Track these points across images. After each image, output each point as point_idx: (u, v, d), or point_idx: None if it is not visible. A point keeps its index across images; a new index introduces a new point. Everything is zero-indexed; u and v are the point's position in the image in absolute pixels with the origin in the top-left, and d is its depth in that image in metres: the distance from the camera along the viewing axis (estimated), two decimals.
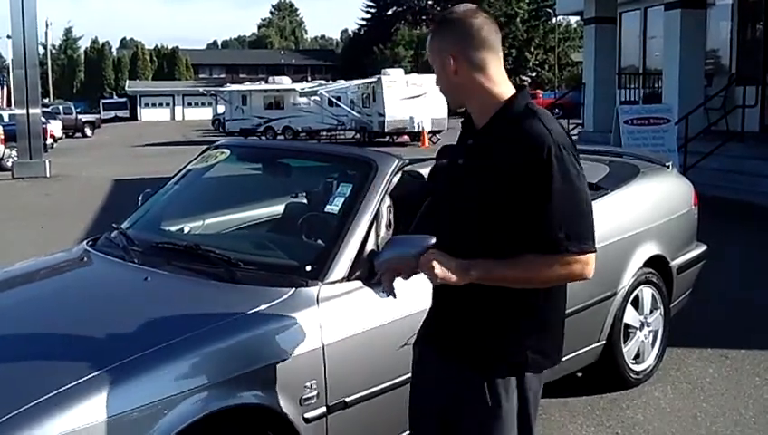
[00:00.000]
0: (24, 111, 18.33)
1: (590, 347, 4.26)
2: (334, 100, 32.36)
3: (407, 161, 3.44)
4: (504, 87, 2.24)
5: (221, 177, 4.19)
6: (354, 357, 2.97)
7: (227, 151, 4.06)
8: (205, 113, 61.77)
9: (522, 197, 2.12)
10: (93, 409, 2.37)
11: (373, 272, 3.05)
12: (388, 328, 3.08)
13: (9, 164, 19.05)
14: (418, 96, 28.16)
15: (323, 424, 2.90)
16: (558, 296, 2.30)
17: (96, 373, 2.47)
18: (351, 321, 2.97)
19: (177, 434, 2.48)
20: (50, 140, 26.13)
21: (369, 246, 3.13)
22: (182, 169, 4.13)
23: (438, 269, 2.16)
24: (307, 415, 2.82)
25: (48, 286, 3.53)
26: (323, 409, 2.88)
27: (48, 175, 17.84)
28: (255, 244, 3.67)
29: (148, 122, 62.91)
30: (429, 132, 28.20)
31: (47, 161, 18.39)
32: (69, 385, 2.41)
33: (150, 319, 2.88)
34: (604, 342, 4.33)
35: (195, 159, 4.12)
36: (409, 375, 3.12)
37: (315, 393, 2.84)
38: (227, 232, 3.99)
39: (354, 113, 31.66)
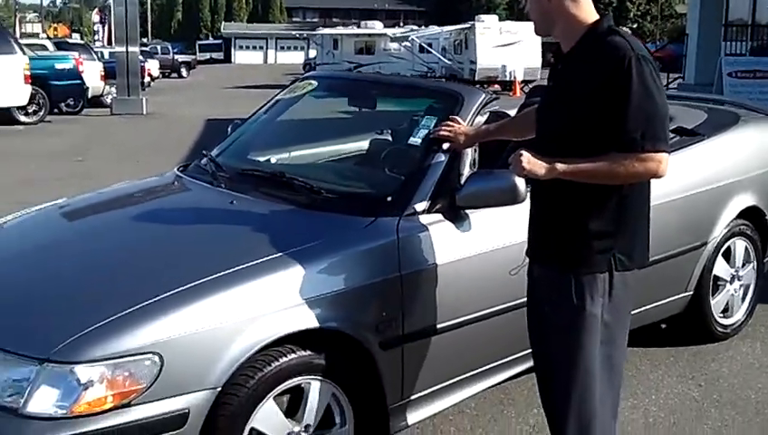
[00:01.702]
0: (124, 49, 18.81)
1: (677, 297, 4.16)
2: (425, 46, 32.01)
3: (494, 96, 3.39)
4: (589, 13, 2.47)
5: (308, 110, 4.23)
6: (431, 289, 2.98)
7: (315, 83, 4.08)
8: (296, 57, 62.11)
9: (604, 105, 2.34)
10: (183, 320, 2.47)
11: (454, 206, 3.07)
12: (464, 263, 3.08)
13: (108, 100, 19.62)
14: (512, 44, 27.55)
15: (399, 353, 2.93)
16: (641, 199, 2.51)
17: (185, 287, 2.56)
18: (430, 253, 2.97)
19: (255, 352, 2.55)
20: (147, 79, 26.77)
21: (453, 179, 3.11)
22: (271, 100, 4.18)
23: (526, 161, 2.39)
24: (383, 342, 2.86)
25: (141, 206, 3.67)
26: (399, 337, 2.91)
27: (144, 112, 18.34)
28: (338, 175, 3.70)
29: (241, 65, 63.72)
30: (521, 82, 27.62)
31: (144, 99, 18.88)
32: (161, 296, 2.52)
33: (235, 240, 2.96)
34: (691, 292, 4.22)
35: (283, 90, 4.16)
36: (489, 311, 3.16)
37: (392, 321, 2.87)
38: (311, 163, 4.03)
39: (445, 60, 31.26)
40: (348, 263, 2.83)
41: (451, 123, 3.14)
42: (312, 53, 44.55)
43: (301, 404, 2.75)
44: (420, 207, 3.03)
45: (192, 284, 2.57)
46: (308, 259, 2.75)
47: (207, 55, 63.74)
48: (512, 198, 2.92)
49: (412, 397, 3.06)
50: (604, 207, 2.43)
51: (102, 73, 19.71)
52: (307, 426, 2.77)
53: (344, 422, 2.88)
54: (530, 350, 3.36)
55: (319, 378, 2.75)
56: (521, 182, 2.94)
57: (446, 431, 3.50)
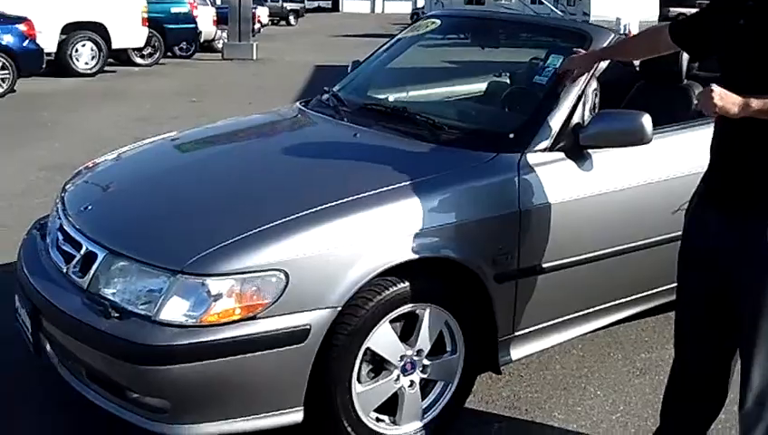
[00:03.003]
0: None
1: None
2: None
3: (622, 36, 3.34)
4: None
5: (428, 50, 4.25)
6: (548, 226, 2.99)
7: (438, 21, 4.09)
8: (404, 7, 61.54)
9: None
10: (309, 241, 2.57)
11: (577, 145, 3.06)
12: (584, 202, 3.08)
13: (219, 45, 20.02)
14: None
15: (513, 287, 2.97)
16: None
17: (312, 210, 2.65)
18: (550, 190, 2.98)
19: (375, 276, 2.63)
20: (257, 25, 27.12)
21: (576, 119, 3.10)
22: (392, 38, 4.22)
23: (717, 98, 2.17)
24: (499, 275, 2.90)
25: (267, 135, 3.81)
26: (514, 272, 2.94)
27: (254, 58, 18.62)
28: (460, 112, 3.73)
29: (348, 14, 63.71)
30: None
31: (254, 44, 19.18)
32: (289, 217, 2.62)
33: (359, 169, 3.04)
34: None
35: (406, 28, 4.19)
36: (603, 252, 3.16)
37: (507, 255, 2.91)
38: (432, 101, 4.06)
39: (557, 12, 30.39)
40: (468, 196, 2.87)
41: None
42: (420, 3, 44.10)
43: (414, 330, 2.83)
44: (542, 144, 3.04)
45: (318, 207, 2.66)
46: (429, 190, 2.81)
47: (315, 4, 63.90)
48: (638, 138, 2.91)
49: (521, 332, 3.10)
50: None
51: (215, 18, 20.09)
52: (419, 351, 2.85)
53: (455, 350, 2.95)
54: (639, 294, 3.38)
55: (434, 306, 2.82)
56: (648, 122, 2.92)
57: (552, 369, 3.54)
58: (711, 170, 2.47)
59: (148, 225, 2.83)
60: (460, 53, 4.47)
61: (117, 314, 2.54)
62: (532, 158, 3.00)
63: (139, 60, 16.14)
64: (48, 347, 2.90)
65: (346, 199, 2.71)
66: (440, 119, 3.27)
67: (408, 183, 2.81)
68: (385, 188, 2.77)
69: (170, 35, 17.01)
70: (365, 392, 2.75)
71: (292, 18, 43.03)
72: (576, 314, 3.25)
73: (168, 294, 2.51)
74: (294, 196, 2.81)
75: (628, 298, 3.36)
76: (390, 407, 2.86)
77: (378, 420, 2.85)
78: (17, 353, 3.26)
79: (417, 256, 2.70)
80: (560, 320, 3.21)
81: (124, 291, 2.61)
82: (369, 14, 67.74)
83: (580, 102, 3.12)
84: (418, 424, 2.92)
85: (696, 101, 2.30)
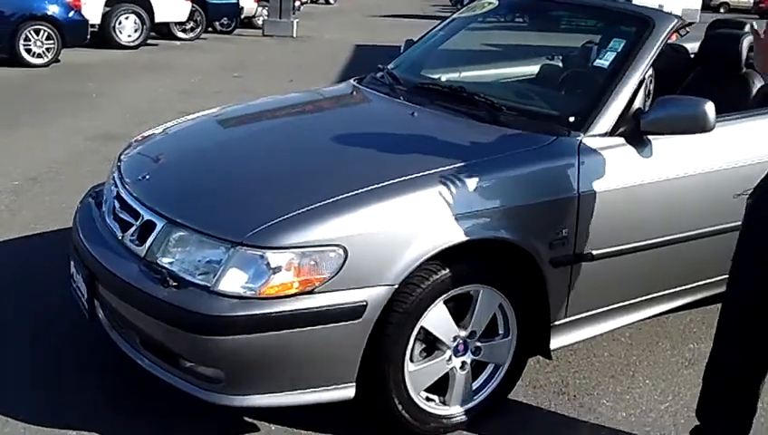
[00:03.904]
0: None
1: None
2: None
3: (685, 21, 3.28)
4: None
5: (483, 31, 4.22)
6: (606, 212, 2.95)
7: (495, 2, 4.06)
8: None
9: None
10: (368, 218, 2.57)
11: (638, 130, 3.02)
12: (643, 188, 3.04)
13: (259, 22, 20.03)
14: None
15: (568, 271, 2.95)
16: None
17: (372, 187, 2.65)
18: (609, 175, 2.95)
19: (433, 255, 2.62)
20: (297, 3, 27.09)
21: (637, 104, 3.06)
22: (447, 19, 4.19)
23: None
24: (554, 259, 2.88)
25: (324, 111, 3.81)
26: (570, 256, 2.92)
27: (294, 35, 18.61)
28: (518, 93, 3.69)
29: None
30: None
31: (295, 22, 19.17)
32: (349, 193, 2.62)
33: (417, 148, 3.02)
34: None
35: (446, 9, 4.16)
36: (660, 240, 3.12)
37: (565, 239, 2.88)
38: (489, 81, 4.03)
39: None
40: (528, 179, 2.85)
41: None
42: None
43: (468, 311, 2.82)
44: (603, 129, 3.00)
45: (379, 184, 2.65)
46: (489, 172, 2.79)
47: None
48: (701, 126, 2.86)
49: (573, 317, 3.08)
50: None
51: None
52: (473, 332, 2.84)
53: (507, 333, 2.94)
54: (694, 283, 3.34)
55: (489, 287, 2.80)
56: (711, 110, 2.87)
57: (600, 356, 3.52)
58: None
59: (207, 196, 2.84)
60: (514, 36, 4.42)
61: (175, 283, 2.56)
62: (592, 142, 2.97)
63: (180, 34, 16.19)
64: (102, 313, 2.94)
65: (405, 178, 2.69)
66: (498, 100, 3.24)
67: (466, 163, 2.79)
68: (444, 168, 2.76)
69: (212, 10, 17.04)
70: (417, 371, 2.75)
71: None
72: (629, 302, 3.23)
73: (227, 265, 2.52)
74: (354, 172, 2.80)
75: (683, 287, 3.33)
76: (441, 387, 2.86)
77: (428, 399, 2.85)
78: (71, 318, 3.31)
79: (474, 237, 2.68)
80: (612, 307, 3.18)
81: (182, 260, 2.62)
82: None
83: (642, 87, 3.08)
84: (468, 405, 2.92)
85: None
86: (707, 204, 3.22)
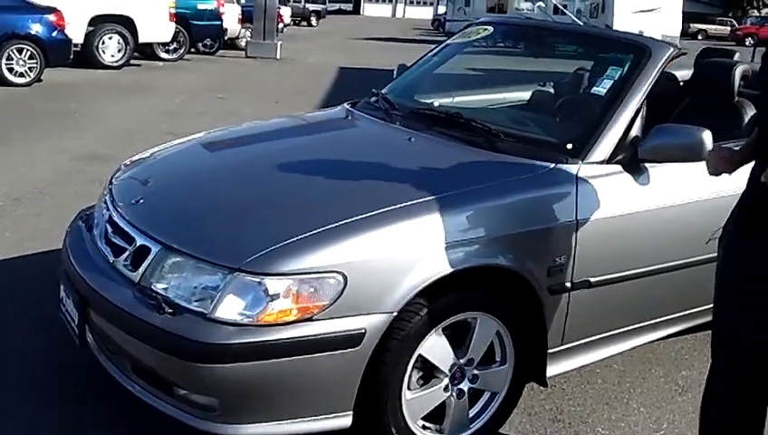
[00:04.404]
0: None
1: None
2: (561, 7, 31.08)
3: (682, 50, 3.31)
4: None
5: (477, 57, 4.22)
6: (604, 239, 2.96)
7: (491, 28, 4.07)
8: (425, 12, 61.82)
9: None
10: (368, 244, 2.54)
11: (635, 158, 3.03)
12: (640, 216, 3.05)
13: (242, 43, 20.05)
14: (651, 10, 26.53)
15: (566, 299, 2.94)
16: None
17: (372, 213, 2.62)
18: (608, 203, 2.95)
19: (432, 283, 2.60)
20: (280, 25, 27.17)
21: (634, 131, 3.06)
22: (441, 44, 4.20)
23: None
24: (552, 287, 2.87)
25: (319, 135, 3.78)
26: (568, 284, 2.91)
27: (278, 57, 18.65)
28: (515, 120, 3.69)
29: (369, 17, 63.85)
30: None
31: (279, 44, 19.21)
32: (349, 219, 2.59)
33: (416, 174, 3.00)
34: None
35: (456, 34, 4.17)
36: (657, 267, 3.12)
37: (563, 267, 2.88)
38: (485, 108, 4.04)
39: (579, 23, 30.25)
40: (526, 206, 2.84)
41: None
42: (441, 9, 44.20)
43: (466, 338, 2.80)
44: (600, 156, 3.01)
45: (378, 211, 2.63)
46: (488, 198, 2.78)
47: (337, 6, 64.11)
48: (698, 154, 2.86)
49: (570, 344, 3.07)
50: None
51: (240, 17, 20.12)
52: (470, 360, 2.82)
53: (504, 361, 2.92)
54: (683, 312, 3.33)
55: (487, 315, 2.79)
56: (708, 138, 2.89)
57: (594, 383, 3.51)
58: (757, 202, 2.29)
59: (203, 222, 2.80)
60: (509, 61, 4.44)
61: (170, 310, 2.52)
62: (589, 169, 2.97)
63: (163, 54, 16.18)
64: (92, 339, 2.89)
65: (404, 204, 2.68)
66: (496, 126, 3.24)
67: (465, 190, 2.79)
68: (442, 195, 2.74)
69: (196, 31, 17.06)
70: (414, 400, 2.73)
71: (313, 19, 43.17)
72: (625, 329, 3.23)
73: (225, 291, 2.48)
74: (352, 198, 2.78)
75: (679, 314, 3.33)
76: (437, 415, 2.83)
77: (424, 427, 2.82)
78: (51, 341, 3.25)
79: (472, 265, 2.67)
80: (609, 334, 3.18)
81: (178, 286, 2.58)
82: (390, 18, 67.87)
83: (639, 116, 3.09)
84: (464, 433, 2.89)
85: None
86: (704, 231, 3.21)
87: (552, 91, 4.17)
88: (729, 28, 45.98)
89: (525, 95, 4.20)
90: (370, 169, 3.09)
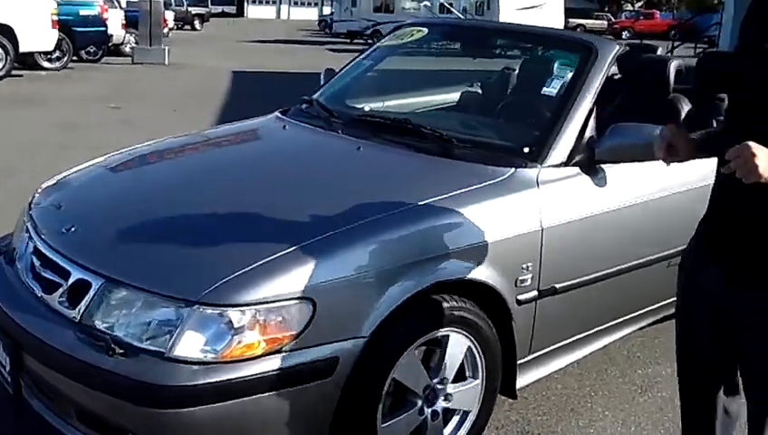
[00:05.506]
0: None
1: None
2: (447, 5, 31.55)
3: (627, 48, 3.27)
4: None
5: (410, 58, 4.10)
6: (568, 243, 2.89)
7: (425, 30, 3.94)
8: (310, 14, 61.52)
9: None
10: (335, 266, 2.37)
11: (592, 159, 2.96)
12: (599, 218, 2.99)
13: (127, 49, 19.36)
14: (535, 7, 27.14)
15: (533, 308, 2.85)
16: None
17: (335, 232, 2.45)
18: (570, 206, 2.88)
19: (403, 302, 2.44)
20: (165, 30, 26.39)
21: (588, 132, 3.00)
22: (371, 47, 4.05)
23: (762, 161, 1.71)
24: (520, 297, 2.78)
25: (261, 149, 3.55)
26: (535, 292, 2.82)
27: (167, 63, 18.08)
28: (464, 124, 3.55)
29: (253, 19, 62.95)
30: None
31: (167, 49, 18.62)
32: (312, 241, 2.41)
33: (373, 187, 2.85)
34: None
35: (386, 36, 4.03)
36: (622, 266, 3.07)
37: (530, 276, 2.78)
38: (432, 112, 3.90)
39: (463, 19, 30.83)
40: (491, 214, 2.72)
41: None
42: (327, 10, 44.11)
43: (436, 358, 2.67)
44: (558, 159, 2.93)
45: (341, 229, 2.46)
46: (453, 208, 2.65)
47: (220, 8, 62.80)
48: (654, 153, 2.81)
49: (537, 353, 2.99)
50: None
51: (123, 22, 19.41)
52: (443, 379, 2.69)
53: (475, 377, 2.80)
54: (652, 306, 3.31)
55: (458, 331, 2.66)
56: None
57: (554, 389, 3.44)
58: (715, 229, 2.13)
59: (151, 249, 2.55)
60: (447, 63, 4.33)
61: (121, 350, 2.28)
62: (549, 173, 2.89)
63: (46, 63, 15.40)
64: (27, 386, 2.61)
65: (367, 220, 2.52)
66: (447, 132, 3.11)
67: (429, 201, 2.64)
68: (406, 208, 2.60)
69: (79, 39, 16.32)
70: (389, 427, 2.57)
71: (197, 23, 42.11)
72: (589, 332, 3.18)
73: (183, 327, 2.26)
74: (313, 217, 2.59)
75: (642, 311, 3.32)
76: None
77: None
78: None
79: (443, 279, 2.54)
80: (574, 338, 3.12)
81: (128, 324, 2.34)
82: (275, 19, 67.14)
83: (592, 116, 3.03)
84: None
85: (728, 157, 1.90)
86: (663, 229, 3.21)
87: (479, 91, 4.08)
88: (606, 22, 47.52)
89: (455, 96, 4.09)
90: (325, 184, 2.90)
